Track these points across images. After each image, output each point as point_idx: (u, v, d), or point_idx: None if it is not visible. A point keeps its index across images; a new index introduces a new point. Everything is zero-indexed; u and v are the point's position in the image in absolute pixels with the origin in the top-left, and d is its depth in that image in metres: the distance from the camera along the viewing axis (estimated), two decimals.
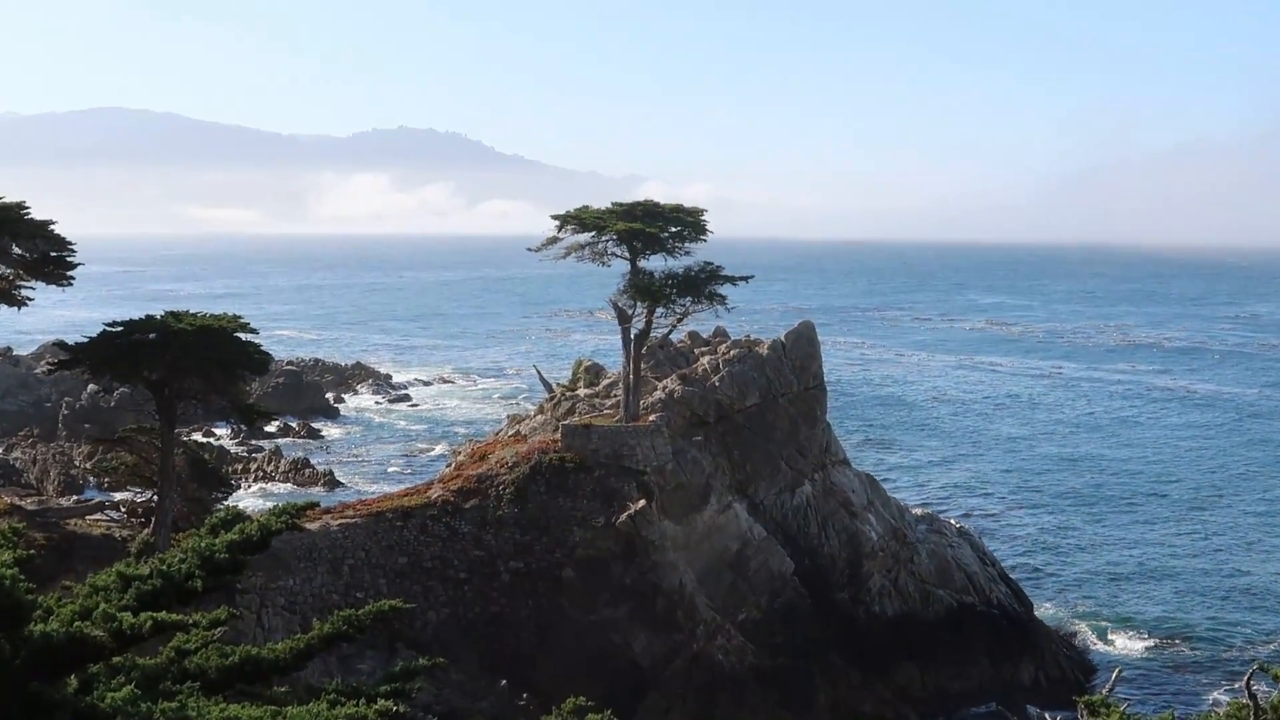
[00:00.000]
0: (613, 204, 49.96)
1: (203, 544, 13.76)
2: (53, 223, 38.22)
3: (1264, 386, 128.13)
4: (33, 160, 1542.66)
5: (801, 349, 52.46)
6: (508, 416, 65.94)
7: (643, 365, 49.16)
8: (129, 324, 38.31)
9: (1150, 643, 52.15)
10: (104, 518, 42.30)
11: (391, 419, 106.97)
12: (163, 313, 39.00)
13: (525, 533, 42.89)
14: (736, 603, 44.45)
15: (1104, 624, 54.14)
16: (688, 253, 48.04)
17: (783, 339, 53.03)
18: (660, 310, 47.39)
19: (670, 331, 50.11)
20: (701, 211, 48.82)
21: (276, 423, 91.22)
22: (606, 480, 44.17)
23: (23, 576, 11.59)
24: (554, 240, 48.85)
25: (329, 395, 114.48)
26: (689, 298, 47.29)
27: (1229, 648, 51.72)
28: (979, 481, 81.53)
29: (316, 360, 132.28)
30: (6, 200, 37.23)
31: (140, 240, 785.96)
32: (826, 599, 46.72)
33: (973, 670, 46.93)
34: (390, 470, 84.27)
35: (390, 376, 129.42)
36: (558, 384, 59.98)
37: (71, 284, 39.32)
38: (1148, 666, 49.83)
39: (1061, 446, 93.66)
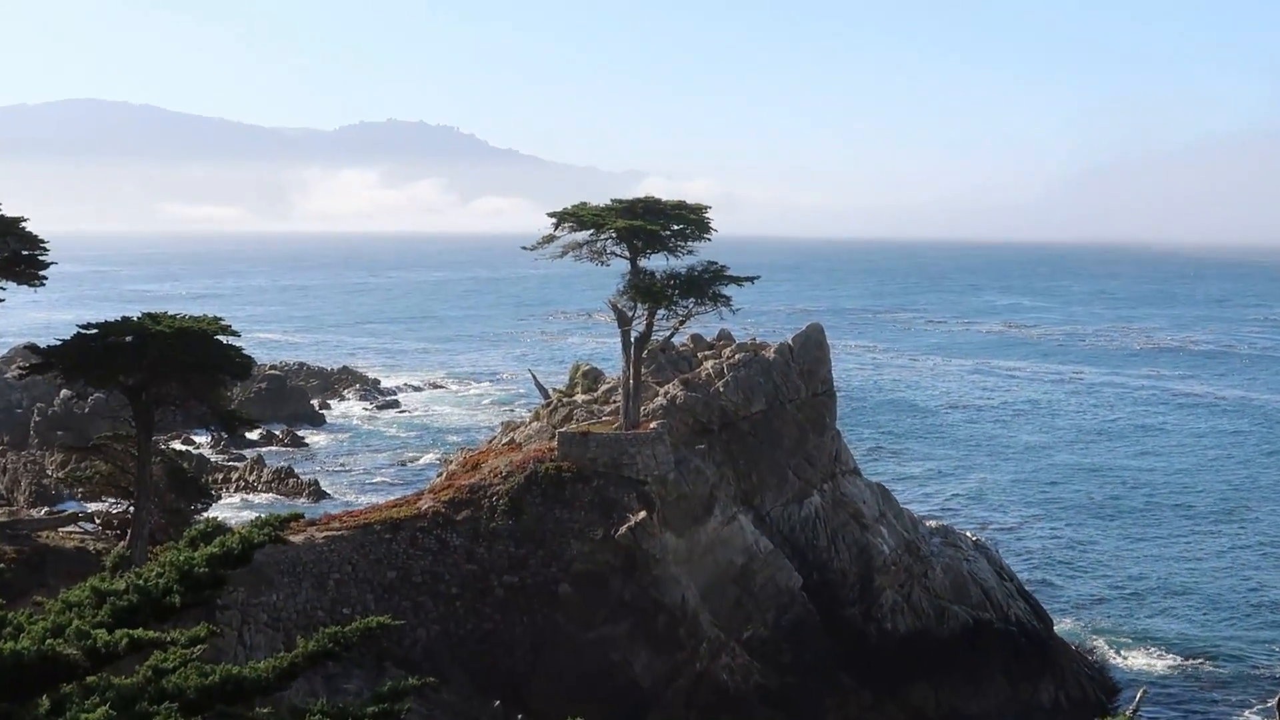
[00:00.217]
0: (612, 200, 49.55)
1: (181, 558, 13.93)
2: (24, 220, 37.79)
3: None
4: (3, 154, 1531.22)
5: (810, 353, 52.16)
6: (502, 424, 65.61)
7: (643, 370, 48.78)
8: (104, 326, 37.89)
9: (1174, 661, 51.58)
10: (78, 530, 42.01)
11: (380, 426, 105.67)
12: (140, 314, 38.70)
13: (520, 546, 42.63)
14: (742, 619, 44.01)
15: (1125, 641, 53.60)
16: (690, 252, 47.74)
17: (790, 342, 52.77)
18: (662, 312, 46.97)
19: (672, 334, 49.82)
20: (705, 208, 48.63)
21: (259, 430, 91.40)
22: (605, 490, 43.80)
23: None
24: (550, 238, 48.49)
25: (314, 401, 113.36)
26: (692, 299, 46.85)
27: (1256, 666, 51.15)
28: (995, 492, 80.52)
29: (301, 364, 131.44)
30: None
31: (116, 238, 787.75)
32: (836, 615, 46.25)
33: (990, 690, 46.38)
34: (378, 480, 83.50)
35: (378, 381, 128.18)
36: (554, 389, 59.79)
37: (44, 284, 38.87)
38: (1172, 685, 49.39)
39: (1082, 455, 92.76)
